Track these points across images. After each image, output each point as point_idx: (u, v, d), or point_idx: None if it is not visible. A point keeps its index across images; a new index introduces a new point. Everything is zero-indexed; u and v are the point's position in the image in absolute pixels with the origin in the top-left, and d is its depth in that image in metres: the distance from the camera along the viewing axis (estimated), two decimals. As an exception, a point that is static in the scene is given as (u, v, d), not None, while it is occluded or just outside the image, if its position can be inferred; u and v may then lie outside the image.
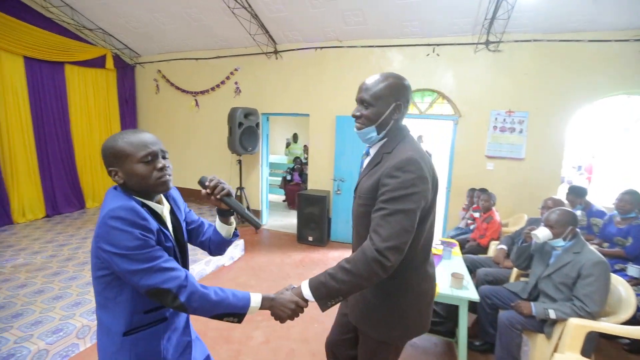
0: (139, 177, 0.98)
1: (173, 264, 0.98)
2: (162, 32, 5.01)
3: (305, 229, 4.55)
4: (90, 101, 5.35)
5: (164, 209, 1.09)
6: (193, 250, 3.48)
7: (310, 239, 4.51)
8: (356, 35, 4.30)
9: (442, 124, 6.77)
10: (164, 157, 1.04)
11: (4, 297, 2.57)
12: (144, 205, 1.01)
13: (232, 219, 1.26)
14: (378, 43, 4.30)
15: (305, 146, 7.32)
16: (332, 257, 4.11)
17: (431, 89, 4.24)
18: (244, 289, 3.13)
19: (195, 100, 5.55)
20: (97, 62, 5.31)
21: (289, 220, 5.66)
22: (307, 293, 1.11)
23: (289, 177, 6.94)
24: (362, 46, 4.38)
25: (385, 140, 1.20)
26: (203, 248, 1.30)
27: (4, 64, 4.28)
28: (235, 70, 5.17)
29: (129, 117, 5.97)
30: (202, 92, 5.46)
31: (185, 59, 5.46)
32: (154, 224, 0.98)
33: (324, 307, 1.09)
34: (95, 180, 5.52)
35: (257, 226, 1.26)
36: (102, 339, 1.03)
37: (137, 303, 1.01)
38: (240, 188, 5.04)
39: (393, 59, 4.29)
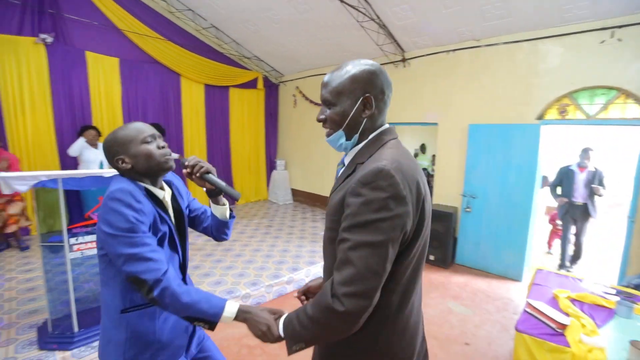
0: (145, 156, 1.06)
1: (157, 255, 0.99)
2: (301, 53, 5.62)
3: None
4: (244, 116, 6.51)
5: (165, 195, 1.16)
6: (296, 258, 3.72)
7: (432, 258, 4.14)
8: (498, 30, 3.74)
9: (623, 132, 5.12)
10: (161, 140, 1.13)
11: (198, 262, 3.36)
12: (146, 190, 1.08)
13: (223, 200, 1.27)
14: (527, 36, 3.61)
15: (433, 156, 6.85)
16: (456, 282, 3.65)
17: (606, 85, 3.25)
18: None
19: (325, 112, 5.97)
20: (251, 84, 6.41)
21: (409, 235, 5.36)
22: (280, 325, 0.89)
23: (412, 189, 6.61)
24: (504, 43, 3.76)
25: (361, 146, 0.92)
26: (207, 234, 1.33)
27: (192, 91, 5.70)
28: (363, 81, 5.30)
29: (271, 128, 6.96)
30: (331, 105, 5.82)
31: (319, 74, 5.95)
32: (149, 208, 1.04)
33: (288, 349, 0.85)
34: (244, 182, 6.64)
35: (235, 198, 1.23)
36: (103, 315, 1.10)
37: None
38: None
39: (548, 53, 3.51)
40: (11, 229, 3.67)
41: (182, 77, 5.55)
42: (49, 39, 4.24)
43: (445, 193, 4.45)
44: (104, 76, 4.76)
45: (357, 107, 0.87)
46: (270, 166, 7.01)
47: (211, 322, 0.99)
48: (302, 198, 6.73)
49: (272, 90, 6.84)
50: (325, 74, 5.41)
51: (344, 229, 0.79)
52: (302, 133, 6.52)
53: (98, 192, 2.25)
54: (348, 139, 0.91)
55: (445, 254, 4.04)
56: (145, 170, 1.08)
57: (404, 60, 4.68)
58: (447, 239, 4.01)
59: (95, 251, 2.15)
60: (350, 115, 0.88)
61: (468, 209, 4.04)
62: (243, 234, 4.56)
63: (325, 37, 4.93)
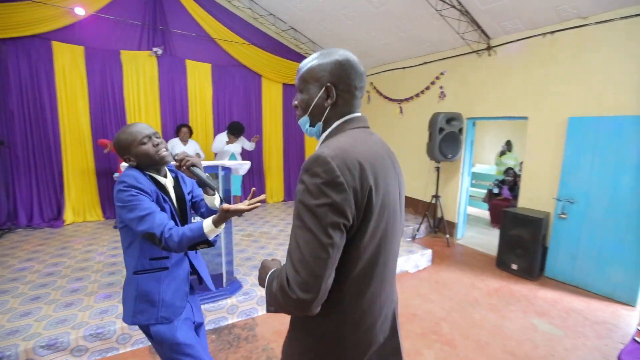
0: (144, 155, 1.33)
1: (160, 215, 1.26)
2: (375, 48, 5.55)
3: (508, 254, 3.80)
4: (318, 113, 6.72)
5: (167, 181, 1.43)
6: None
7: (514, 267, 3.72)
8: (612, 3, 3.13)
9: None
10: (157, 138, 1.37)
11: (251, 252, 3.69)
12: (151, 177, 1.37)
13: (211, 191, 1.43)
14: (657, 8, 2.94)
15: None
16: (543, 297, 3.22)
17: None
18: (425, 301, 3.00)
19: (400, 107, 5.79)
20: (326, 82, 6.57)
21: (489, 240, 4.90)
22: (266, 281, 0.89)
23: (496, 191, 5.99)
24: (622, 18, 3.13)
25: (326, 134, 0.92)
26: (203, 218, 1.44)
27: (272, 90, 6.12)
28: (441, 74, 4.99)
29: (344, 125, 7.04)
30: (407, 99, 5.63)
31: (393, 69, 5.80)
32: (151, 187, 1.32)
33: (267, 308, 0.88)
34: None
35: (212, 189, 1.39)
36: (126, 275, 1.40)
37: (144, 250, 1.34)
38: (436, 196, 4.83)
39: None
40: None
41: (263, 77, 6.00)
42: (160, 51, 5.01)
43: (534, 196, 3.94)
44: (198, 80, 5.43)
45: (320, 95, 0.89)
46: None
47: (203, 240, 1.23)
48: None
49: (345, 87, 6.90)
50: (400, 68, 5.23)
51: (294, 214, 0.81)
52: (375, 129, 6.36)
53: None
54: (312, 125, 0.94)
55: (531, 264, 3.59)
56: (147, 165, 1.36)
57: (489, 48, 4.26)
58: (535, 247, 3.56)
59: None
60: (314, 102, 0.90)
61: (563, 215, 3.51)
62: (283, 232, 4.73)
63: (401, 30, 4.78)
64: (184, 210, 1.48)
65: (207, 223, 1.23)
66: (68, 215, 4.60)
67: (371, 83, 6.37)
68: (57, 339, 2.12)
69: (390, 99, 5.94)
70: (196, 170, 1.34)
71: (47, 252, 3.55)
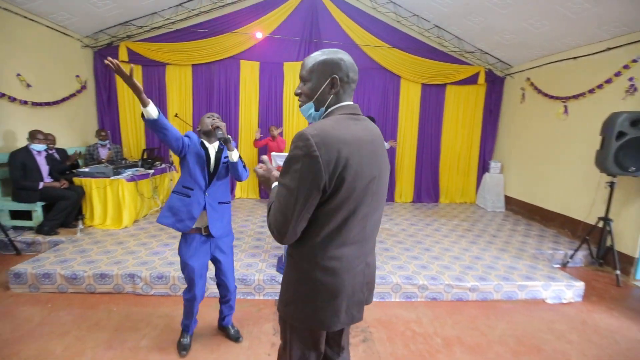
0: (204, 124, 2.09)
1: (183, 137, 2.01)
2: (534, 37, 4.76)
3: None
4: (459, 114, 6.28)
5: (210, 147, 2.10)
6: (487, 269, 3.31)
7: None
8: None
9: None
10: (216, 119, 2.10)
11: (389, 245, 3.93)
12: (201, 142, 2.08)
13: (232, 147, 2.03)
14: None
15: None
16: None
17: None
18: (558, 339, 2.60)
19: (565, 106, 4.78)
20: (471, 80, 6.06)
21: (697, 290, 3.50)
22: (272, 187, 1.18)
23: None
24: None
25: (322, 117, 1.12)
26: (234, 178, 2.14)
27: (410, 90, 6.14)
28: (633, 61, 3.85)
29: (490, 127, 6.32)
30: (575, 97, 4.59)
31: (559, 60, 4.82)
32: (195, 143, 2.05)
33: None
34: (451, 181, 6.47)
35: (228, 142, 2.01)
36: None
37: (181, 180, 2.07)
38: (605, 219, 3.79)
39: None
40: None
41: (402, 78, 6.08)
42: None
43: None
44: (342, 84, 6.02)
45: (325, 85, 1.08)
46: (483, 168, 6.41)
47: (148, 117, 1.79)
48: (517, 208, 5.76)
49: (495, 84, 6.17)
50: (569, 58, 4.37)
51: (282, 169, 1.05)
52: (527, 133, 5.53)
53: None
54: (316, 109, 1.13)
55: None
56: (204, 132, 2.10)
57: None
58: None
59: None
60: (320, 91, 1.09)
61: None
62: (438, 232, 4.57)
63: (570, 12, 3.95)
64: (217, 167, 2.09)
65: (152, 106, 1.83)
66: (237, 192, 6.05)
67: (528, 79, 5.48)
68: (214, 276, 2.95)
69: (552, 97, 4.97)
70: (217, 131, 2.01)
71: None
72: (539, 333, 2.67)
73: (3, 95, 3.91)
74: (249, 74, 5.87)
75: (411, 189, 6.41)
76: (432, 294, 3.08)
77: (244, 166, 2.12)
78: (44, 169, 3.90)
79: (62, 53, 4.89)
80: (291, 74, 5.90)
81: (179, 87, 5.85)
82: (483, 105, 6.27)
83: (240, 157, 2.08)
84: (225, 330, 2.44)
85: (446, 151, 6.37)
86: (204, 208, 2.07)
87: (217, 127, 2.00)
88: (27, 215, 3.86)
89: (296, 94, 1.17)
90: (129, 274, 2.94)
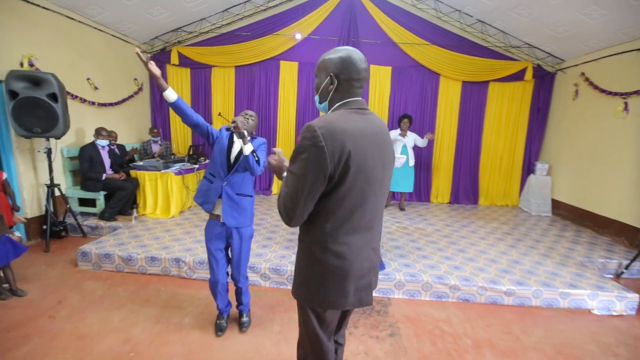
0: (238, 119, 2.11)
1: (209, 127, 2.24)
2: (591, 28, 4.41)
3: None
4: (502, 112, 5.97)
5: (238, 141, 2.19)
6: (526, 273, 3.26)
7: None
8: None
9: None
10: (247, 116, 2.28)
11: (402, 242, 3.92)
12: (231, 135, 2.25)
13: (245, 139, 2.06)
14: None
15: None
16: None
17: None
18: (603, 352, 2.49)
19: (625, 102, 4.38)
20: (517, 76, 5.74)
21: None
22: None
23: None
24: None
25: (330, 110, 1.22)
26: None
27: (449, 88, 5.96)
28: None
29: (537, 125, 5.94)
30: (638, 92, 4.19)
31: (620, 53, 4.41)
32: (223, 135, 2.23)
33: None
34: (491, 183, 6.18)
35: (243, 137, 2.06)
36: None
37: (209, 165, 2.29)
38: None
39: None
40: None
41: (441, 76, 5.93)
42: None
43: None
44: (379, 82, 6.01)
45: (325, 81, 1.19)
46: (528, 169, 6.05)
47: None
48: (566, 213, 5.36)
49: (544, 80, 5.78)
50: (631, 50, 3.99)
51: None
52: (580, 132, 5.12)
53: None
54: (320, 102, 1.26)
55: None
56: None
57: None
58: None
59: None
60: (322, 86, 1.21)
61: None
62: (474, 234, 4.42)
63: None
64: (238, 159, 2.20)
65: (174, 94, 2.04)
66: (274, 188, 6.29)
67: (582, 74, 5.08)
68: (254, 265, 3.14)
69: (610, 93, 4.57)
70: (232, 124, 2.07)
71: (259, 211, 5.06)
72: (581, 344, 2.52)
73: (76, 97, 4.45)
74: (288, 74, 6.08)
75: (448, 190, 6.22)
76: (465, 295, 3.02)
77: (257, 161, 2.16)
78: (107, 162, 4.39)
79: (124, 58, 5.43)
80: (328, 74, 6.00)
81: (223, 87, 6.21)
82: (530, 102, 5.91)
83: (253, 152, 2.13)
84: (238, 315, 2.54)
85: (487, 151, 6.10)
86: (220, 196, 2.21)
87: (234, 121, 2.08)
88: (92, 203, 4.38)
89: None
90: (175, 258, 3.24)
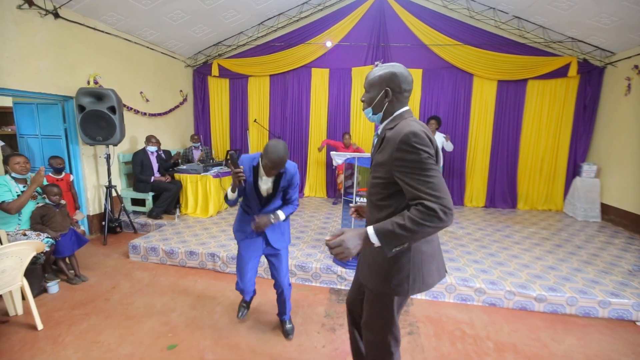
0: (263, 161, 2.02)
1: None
2: (643, 18, 4.07)
3: None
4: (543, 111, 5.64)
5: (265, 178, 2.08)
6: (562, 280, 3.21)
7: None
8: None
9: None
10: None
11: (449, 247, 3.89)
12: (255, 167, 2.08)
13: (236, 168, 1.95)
14: None
15: None
16: None
17: None
18: None
19: (685, 97, 3.97)
20: (559, 72, 5.40)
21: None
22: (373, 239, 1.18)
23: None
24: None
25: (388, 120, 1.36)
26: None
27: (484, 88, 5.78)
28: None
29: (583, 124, 5.53)
30: (700, 85, 3.78)
31: (679, 43, 4.02)
32: (245, 168, 2.03)
33: (389, 251, 1.19)
34: (531, 186, 5.84)
35: (235, 166, 1.95)
36: None
37: (244, 198, 2.20)
38: None
39: None
40: (340, 186, 5.80)
41: (475, 76, 5.76)
42: (379, 64, 5.96)
43: None
44: (409, 85, 5.99)
45: (380, 95, 1.34)
46: (573, 172, 5.63)
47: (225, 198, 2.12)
48: (618, 218, 4.91)
49: (591, 76, 5.37)
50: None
51: (409, 169, 1.17)
52: (634, 130, 4.69)
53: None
54: (374, 113, 1.39)
55: None
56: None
57: None
58: None
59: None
60: (377, 99, 1.35)
61: None
62: (508, 238, 4.24)
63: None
64: (273, 194, 2.13)
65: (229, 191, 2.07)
66: (306, 190, 6.51)
67: (636, 67, 4.67)
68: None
69: (668, 87, 4.16)
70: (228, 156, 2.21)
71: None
72: (618, 355, 2.36)
73: (131, 108, 5.03)
74: (319, 81, 6.29)
75: (483, 193, 5.99)
76: (491, 299, 2.95)
77: (289, 215, 2.23)
78: (155, 166, 4.89)
79: (171, 72, 6.01)
80: (359, 79, 6.12)
81: (258, 95, 6.58)
82: (575, 100, 5.52)
83: (287, 216, 2.20)
84: (281, 324, 2.54)
85: (526, 152, 5.79)
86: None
87: (257, 225, 2.05)
88: (142, 202, 4.90)
89: (361, 101, 1.44)
90: (210, 253, 3.54)
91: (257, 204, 2.15)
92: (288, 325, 2.49)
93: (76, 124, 4.11)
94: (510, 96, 5.71)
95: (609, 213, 5.09)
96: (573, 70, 5.32)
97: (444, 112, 5.93)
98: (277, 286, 2.37)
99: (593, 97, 5.42)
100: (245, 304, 2.67)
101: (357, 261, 1.61)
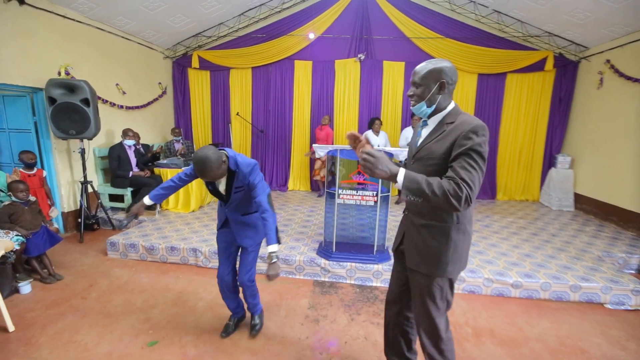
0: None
1: (179, 176, 2.14)
2: (615, 12, 4.20)
3: None
4: (521, 104, 5.80)
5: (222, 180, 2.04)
6: (537, 267, 3.35)
7: None
8: None
9: None
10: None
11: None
12: None
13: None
14: None
15: None
16: None
17: None
18: (610, 344, 2.58)
19: (652, 90, 4.15)
20: (536, 66, 5.55)
21: None
22: (400, 175, 1.26)
23: None
24: None
25: (445, 114, 1.42)
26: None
27: (465, 81, 5.87)
28: None
29: (559, 117, 5.72)
30: (666, 79, 3.96)
31: (647, 38, 4.19)
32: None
33: (404, 194, 1.37)
34: (510, 177, 6.02)
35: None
36: None
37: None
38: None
39: None
40: (316, 178, 5.83)
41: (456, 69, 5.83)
42: (362, 57, 5.97)
43: None
44: (392, 78, 6.03)
45: (434, 88, 1.39)
46: (549, 163, 5.83)
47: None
48: (589, 207, 5.13)
49: (566, 70, 5.55)
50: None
51: (465, 154, 1.27)
52: (605, 123, 4.88)
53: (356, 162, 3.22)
54: (428, 106, 1.43)
55: None
56: None
57: None
58: None
59: (352, 202, 3.19)
60: (431, 92, 1.40)
61: None
62: (487, 228, 4.36)
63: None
64: (228, 192, 2.05)
65: (146, 198, 2.13)
66: (290, 184, 6.47)
67: (607, 61, 4.84)
68: (264, 254, 3.29)
69: (637, 80, 4.34)
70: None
71: (274, 206, 5.25)
72: (588, 336, 2.48)
73: (106, 101, 4.84)
74: (303, 73, 6.22)
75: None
76: (470, 287, 3.03)
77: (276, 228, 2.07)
78: (133, 161, 4.74)
79: (149, 64, 5.81)
80: (342, 71, 6.09)
81: (241, 88, 6.47)
82: (551, 93, 5.69)
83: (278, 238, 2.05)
84: (251, 318, 2.44)
85: (505, 145, 5.95)
86: (227, 218, 2.19)
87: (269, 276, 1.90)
88: (120, 198, 4.75)
89: (409, 96, 1.47)
90: (192, 248, 3.48)
91: (221, 199, 2.15)
92: (253, 322, 2.40)
93: (47, 117, 3.92)
94: (490, 89, 5.84)
95: (581, 202, 5.31)
96: (549, 64, 5.47)
97: (426, 105, 5.98)
98: (239, 281, 2.28)
99: (568, 90, 5.60)
100: (232, 322, 2.43)
101: (393, 255, 1.76)
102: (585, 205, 5.22)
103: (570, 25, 4.93)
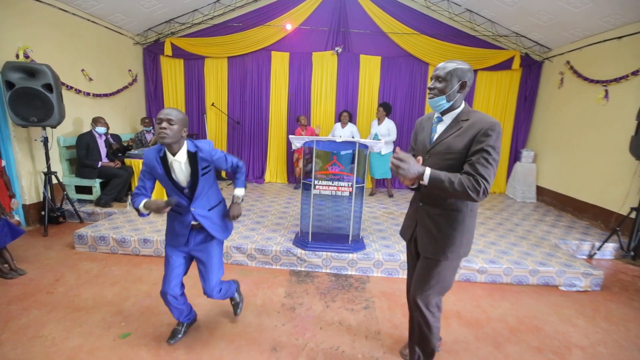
0: (157, 132, 1.71)
1: (141, 183, 1.85)
2: (575, 17, 4.48)
3: None
4: (490, 101, 6.08)
5: (174, 159, 1.78)
6: (500, 253, 3.32)
7: None
8: None
9: None
10: (169, 123, 1.69)
11: (385, 226, 4.07)
12: (164, 154, 1.79)
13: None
14: None
15: None
16: None
17: None
18: (562, 322, 2.76)
19: (606, 90, 4.48)
20: (504, 65, 5.82)
21: None
22: (427, 175, 1.38)
23: None
24: None
25: (459, 111, 1.54)
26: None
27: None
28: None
29: (524, 114, 6.05)
30: (617, 80, 4.29)
31: (602, 41, 4.50)
32: (150, 160, 1.80)
33: (426, 188, 1.44)
34: (479, 170, 6.31)
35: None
36: None
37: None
38: (638, 210, 3.59)
39: None
40: (298, 173, 5.86)
41: (430, 65, 6.01)
42: (339, 50, 6.00)
43: None
44: (368, 72, 6.11)
45: (456, 85, 1.49)
46: (514, 157, 6.17)
47: (137, 210, 1.83)
48: (549, 199, 5.51)
49: (532, 69, 5.87)
50: (613, 38, 4.12)
51: (483, 150, 1.39)
52: (564, 120, 5.23)
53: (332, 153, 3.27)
54: (448, 101, 1.51)
55: None
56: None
57: None
58: None
59: (328, 192, 3.24)
60: (453, 89, 1.49)
61: None
62: (457, 219, 4.57)
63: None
64: (195, 180, 1.84)
65: (142, 204, 1.78)
66: (267, 176, 6.45)
67: (567, 62, 5.17)
68: (241, 245, 3.32)
69: (592, 81, 4.67)
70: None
71: (251, 197, 5.22)
72: (543, 315, 2.69)
73: (71, 88, 4.58)
74: (280, 65, 6.17)
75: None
76: (439, 274, 3.19)
77: (239, 172, 2.10)
78: (103, 151, 4.54)
79: (117, 50, 5.55)
80: (319, 64, 6.10)
81: (216, 78, 6.32)
82: (517, 91, 6.01)
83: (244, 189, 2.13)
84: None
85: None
86: (195, 220, 1.94)
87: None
88: (88, 190, 4.55)
89: (429, 88, 1.55)
90: (166, 240, 3.41)
91: (183, 197, 1.87)
92: (233, 302, 2.45)
93: (4, 102, 3.67)
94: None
95: (542, 194, 5.68)
96: (516, 64, 5.75)
97: (401, 100, 6.14)
98: (205, 293, 2.08)
99: (532, 89, 5.92)
100: (181, 325, 2.24)
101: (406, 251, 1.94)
102: (546, 197, 5.59)
103: (535, 27, 5.21)
